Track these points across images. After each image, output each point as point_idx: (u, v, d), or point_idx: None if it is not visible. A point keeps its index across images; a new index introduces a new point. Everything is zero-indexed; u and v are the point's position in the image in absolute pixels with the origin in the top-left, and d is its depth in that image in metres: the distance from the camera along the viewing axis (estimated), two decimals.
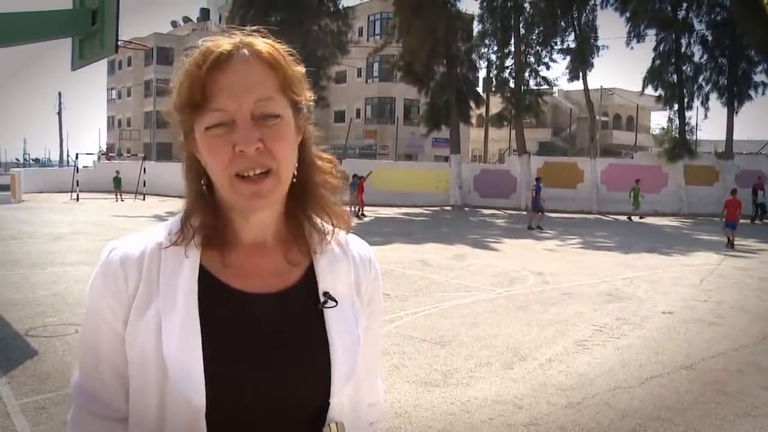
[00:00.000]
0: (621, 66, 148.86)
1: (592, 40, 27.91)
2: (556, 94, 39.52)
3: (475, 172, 28.92)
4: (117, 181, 28.93)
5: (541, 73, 28.95)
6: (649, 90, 28.35)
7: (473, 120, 33.07)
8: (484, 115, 34.78)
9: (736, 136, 27.58)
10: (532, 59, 28.87)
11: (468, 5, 36.98)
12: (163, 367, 0.89)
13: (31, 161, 75.16)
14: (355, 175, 21.12)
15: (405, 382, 4.80)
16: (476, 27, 30.16)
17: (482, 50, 30.30)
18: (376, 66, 41.47)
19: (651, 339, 6.22)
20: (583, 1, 27.04)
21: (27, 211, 20.71)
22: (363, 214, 20.48)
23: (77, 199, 26.90)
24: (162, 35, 55.55)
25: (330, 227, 1.05)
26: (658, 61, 27.51)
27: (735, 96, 26.58)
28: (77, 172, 30.11)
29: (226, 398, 0.89)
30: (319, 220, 1.04)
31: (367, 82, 42.93)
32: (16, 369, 4.83)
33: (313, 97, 1.01)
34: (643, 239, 15.87)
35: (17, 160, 74.54)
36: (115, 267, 0.95)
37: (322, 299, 1.00)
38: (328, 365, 0.96)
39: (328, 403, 0.95)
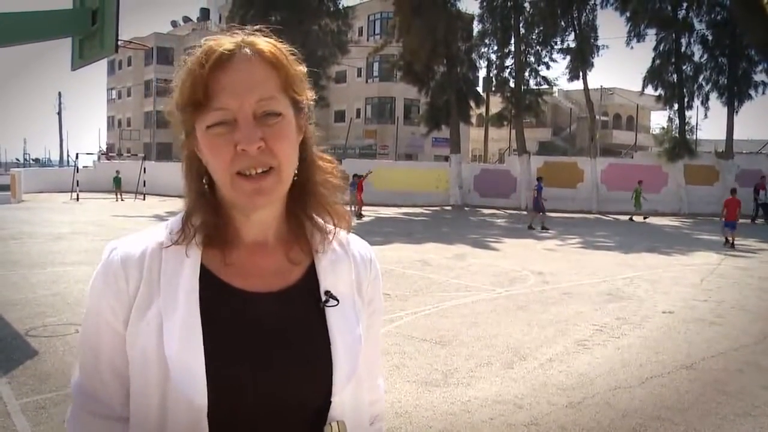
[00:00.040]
0: (621, 66, 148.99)
1: (592, 40, 27.92)
2: (556, 94, 39.53)
3: (475, 172, 28.92)
4: (117, 181, 28.93)
5: (541, 73, 29.02)
6: (649, 90, 28.38)
7: (473, 120, 33.08)
8: (484, 114, 34.79)
9: (736, 136, 27.60)
10: (532, 59, 28.88)
11: (468, 5, 37.08)
12: (164, 367, 0.89)
13: (31, 161, 75.19)
14: (355, 175, 21.13)
15: (405, 381, 4.80)
16: (476, 27, 30.22)
17: (482, 50, 30.35)
18: (376, 66, 41.47)
19: (651, 339, 6.22)
20: (583, 0, 27.03)
21: (27, 211, 20.71)
22: (361, 214, 20.50)
23: (77, 199, 26.91)
24: (162, 35, 55.56)
25: (331, 226, 1.05)
26: (658, 61, 27.51)
27: (735, 95, 26.58)
28: (77, 172, 30.12)
29: (227, 398, 0.89)
30: (320, 220, 1.04)
31: (367, 81, 42.93)
32: (16, 369, 4.83)
33: (314, 97, 1.01)
34: (643, 239, 15.87)
35: (17, 160, 74.59)
36: (116, 267, 0.95)
37: (323, 298, 1.00)
38: (330, 364, 0.96)
39: (330, 402, 0.95)
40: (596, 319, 7.01)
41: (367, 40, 40.97)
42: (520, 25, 28.06)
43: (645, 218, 21.99)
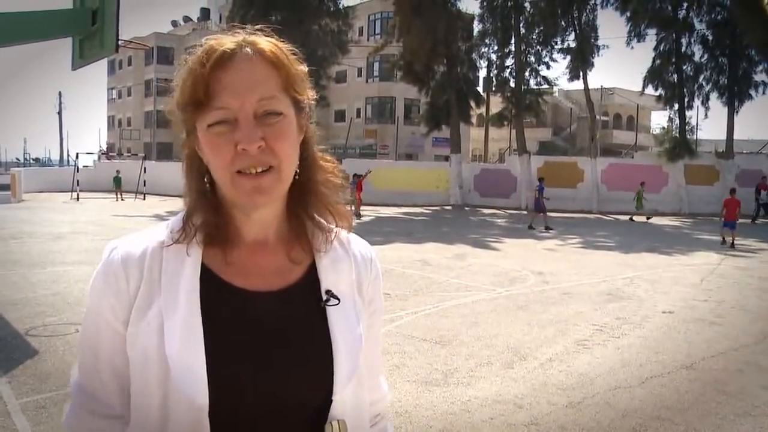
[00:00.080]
0: (621, 66, 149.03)
1: (593, 40, 27.91)
2: (557, 94, 39.52)
3: (476, 172, 28.91)
4: (117, 180, 28.93)
5: (542, 73, 29.00)
6: (650, 89, 28.37)
7: (473, 119, 33.08)
8: (484, 114, 34.79)
9: (736, 136, 27.59)
10: (533, 59, 28.87)
11: (468, 5, 37.19)
12: (165, 366, 0.89)
13: (31, 161, 75.29)
14: (355, 175, 21.16)
15: (405, 381, 4.80)
16: (476, 26, 30.21)
17: (482, 50, 30.33)
18: (376, 65, 41.47)
19: (651, 338, 6.22)
20: (583, 0, 27.03)
21: (27, 210, 20.71)
22: (359, 214, 20.51)
23: (77, 198, 26.92)
24: (162, 35, 55.58)
25: (332, 226, 1.05)
26: (658, 61, 27.50)
27: (735, 95, 26.58)
28: (77, 171, 30.12)
29: (228, 397, 0.89)
30: (321, 219, 1.05)
31: (367, 81, 42.92)
32: (16, 368, 4.83)
33: (315, 96, 1.01)
34: (643, 239, 15.87)
35: (17, 159, 74.71)
36: (116, 267, 0.95)
37: (324, 297, 1.00)
38: (331, 363, 0.96)
39: (330, 401, 0.95)
40: (596, 319, 7.01)
41: (368, 39, 40.98)
42: (521, 24, 28.06)
43: (648, 218, 21.97)
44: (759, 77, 26.61)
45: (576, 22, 27.36)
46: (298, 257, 1.02)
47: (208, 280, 0.96)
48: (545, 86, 29.47)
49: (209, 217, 0.97)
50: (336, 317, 1.00)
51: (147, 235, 1.00)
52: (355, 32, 37.61)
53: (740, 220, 15.27)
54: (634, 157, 32.75)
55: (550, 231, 17.18)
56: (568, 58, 28.20)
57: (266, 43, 0.94)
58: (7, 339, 5.63)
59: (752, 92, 26.70)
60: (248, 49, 0.92)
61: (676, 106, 27.55)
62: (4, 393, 4.32)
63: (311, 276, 1.02)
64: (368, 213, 21.79)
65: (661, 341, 6.12)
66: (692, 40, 27.39)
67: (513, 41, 28.17)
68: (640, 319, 7.05)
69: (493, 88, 30.88)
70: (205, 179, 0.97)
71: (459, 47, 28.53)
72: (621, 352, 5.70)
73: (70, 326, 6.02)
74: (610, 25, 75.01)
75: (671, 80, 27.44)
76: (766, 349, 5.91)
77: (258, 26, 0.97)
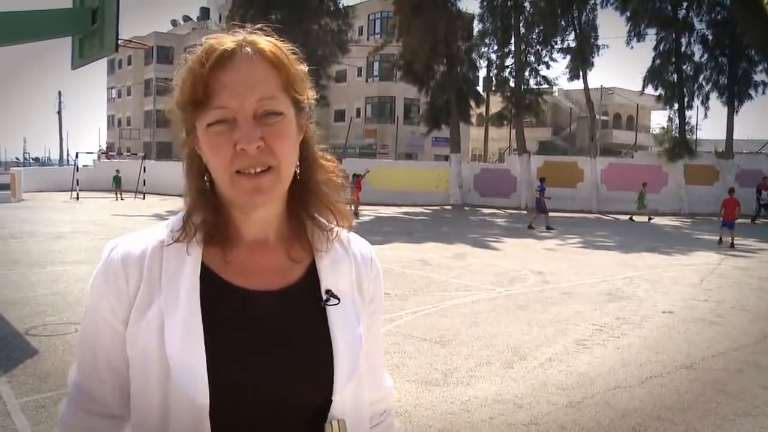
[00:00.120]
0: (621, 65, 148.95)
1: (593, 40, 27.90)
2: (556, 94, 39.50)
3: (475, 172, 28.91)
4: (117, 180, 28.92)
5: (541, 73, 28.98)
6: (649, 89, 28.38)
7: (473, 119, 33.09)
8: (484, 114, 34.79)
9: (736, 136, 27.62)
10: (533, 58, 28.87)
11: (468, 4, 37.24)
12: (165, 366, 0.89)
13: (31, 160, 75.25)
14: (355, 174, 21.19)
15: (405, 381, 4.80)
16: (476, 26, 30.20)
17: (482, 49, 30.33)
18: (376, 65, 41.46)
19: (651, 338, 6.22)
20: (583, 0, 27.03)
21: (27, 210, 20.71)
22: (357, 213, 20.51)
23: (77, 198, 26.90)
24: (162, 34, 55.56)
25: (333, 225, 1.05)
26: (658, 61, 27.51)
27: (735, 95, 26.59)
28: (77, 171, 30.09)
29: (228, 397, 0.89)
30: (321, 219, 1.05)
31: (367, 81, 42.92)
32: (16, 368, 4.83)
33: (315, 96, 1.01)
34: (643, 239, 15.88)
35: (17, 159, 74.65)
36: (116, 266, 0.95)
37: (324, 297, 1.00)
38: (331, 363, 0.96)
39: (330, 401, 0.95)
40: (596, 318, 7.01)
41: (367, 39, 40.96)
42: (521, 24, 28.05)
43: (650, 219, 21.96)
44: (759, 77, 26.69)
45: (576, 22, 27.35)
46: (298, 256, 1.02)
47: (208, 279, 0.96)
48: (545, 86, 29.48)
49: (209, 216, 0.97)
50: (336, 317, 0.99)
51: (147, 234, 1.00)
52: (355, 32, 37.58)
53: (740, 220, 15.28)
54: (634, 156, 32.75)
55: (551, 231, 17.18)
56: (568, 57, 28.22)
57: (266, 42, 0.94)
58: (6, 338, 5.62)
59: (752, 92, 26.75)
60: (248, 49, 0.92)
61: (676, 105, 27.56)
62: (4, 392, 4.32)
63: (311, 275, 1.02)
64: (368, 213, 21.79)
65: (660, 341, 6.12)
66: (692, 40, 27.44)
67: (513, 41, 28.16)
68: (640, 318, 7.05)
69: (493, 88, 30.88)
70: (205, 178, 0.97)
71: (459, 47, 28.53)
72: (621, 352, 5.70)
73: (70, 326, 6.02)
74: (610, 25, 75.04)
75: (671, 80, 27.44)
76: (766, 349, 5.91)
77: (258, 26, 0.97)
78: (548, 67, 29.17)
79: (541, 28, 27.89)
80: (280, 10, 25.69)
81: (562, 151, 38.62)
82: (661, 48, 27.42)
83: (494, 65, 30.09)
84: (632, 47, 45.34)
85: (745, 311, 7.57)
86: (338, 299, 1.01)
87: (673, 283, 9.38)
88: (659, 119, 72.29)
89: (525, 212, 23.63)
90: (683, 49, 27.26)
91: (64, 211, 20.54)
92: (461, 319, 6.85)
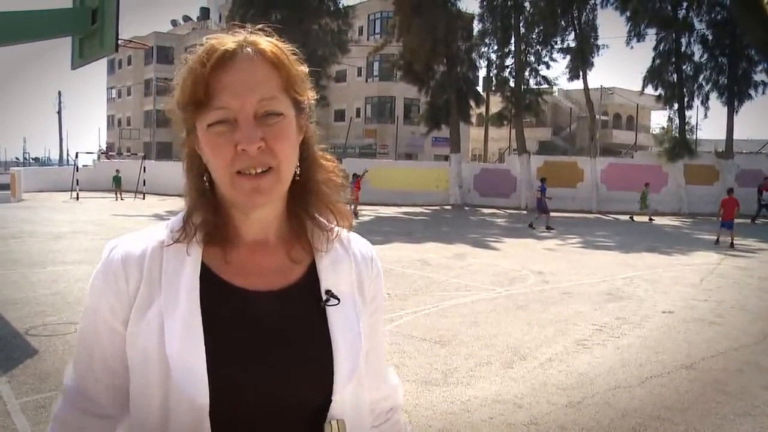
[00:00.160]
0: (621, 65, 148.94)
1: (593, 40, 27.90)
2: (556, 94, 39.50)
3: (475, 172, 28.90)
4: (117, 180, 28.92)
5: (541, 73, 28.99)
6: (649, 89, 28.38)
7: (473, 119, 33.08)
8: (484, 114, 34.78)
9: (736, 136, 27.61)
10: (532, 58, 28.88)
11: (468, 4, 37.31)
12: (165, 366, 0.89)
13: (30, 160, 75.22)
14: (354, 174, 21.22)
15: (405, 381, 4.80)
16: (476, 26, 30.19)
17: (482, 49, 30.33)
18: (376, 65, 41.45)
19: (651, 338, 6.22)
20: (583, 0, 27.03)
21: (27, 210, 20.71)
22: (356, 213, 20.53)
23: (77, 198, 26.89)
24: (162, 34, 55.55)
25: (333, 225, 1.05)
26: (658, 61, 27.51)
27: (735, 95, 26.59)
28: (77, 171, 30.08)
29: (228, 397, 0.90)
30: (321, 219, 1.05)
31: (367, 81, 42.91)
32: (16, 368, 4.83)
33: (315, 97, 1.01)
34: (643, 239, 15.88)
35: (17, 159, 74.62)
36: (116, 266, 0.95)
37: (324, 297, 1.00)
38: (330, 363, 0.96)
39: (330, 401, 0.95)
40: (596, 318, 7.01)
41: (367, 39, 40.96)
42: (520, 24, 28.05)
43: (651, 219, 21.95)
44: (759, 77, 26.68)
45: (576, 22, 27.36)
46: (298, 257, 1.02)
47: (208, 279, 0.96)
48: (545, 86, 29.49)
49: (209, 216, 0.97)
50: (336, 317, 1.00)
51: (147, 234, 1.00)
52: (355, 32, 37.57)
53: (741, 220, 15.27)
54: (634, 156, 32.76)
55: (551, 231, 17.18)
56: (568, 57, 28.22)
57: (267, 43, 0.94)
58: (6, 338, 5.62)
59: (752, 92, 26.74)
60: (249, 49, 0.92)
61: (676, 105, 27.57)
62: (4, 392, 4.32)
63: (311, 275, 1.02)
64: (368, 213, 21.80)
65: (660, 341, 6.12)
66: (692, 40, 27.44)
67: (513, 41, 28.17)
68: (640, 318, 7.05)
69: (493, 88, 30.88)
70: (204, 178, 0.97)
71: (459, 47, 28.53)
72: (621, 352, 5.70)
73: (69, 326, 6.02)
74: (610, 25, 75.10)
75: (671, 80, 27.45)
76: (766, 349, 5.91)
77: (259, 26, 0.97)
78: (548, 67, 29.23)
79: (541, 28, 27.89)
80: (280, 10, 25.69)
81: (562, 151, 38.61)
82: (661, 48, 27.43)
83: (494, 65, 30.13)
84: (632, 47, 45.41)
85: (745, 311, 7.57)
86: (338, 299, 1.01)
87: (673, 283, 9.38)
88: (659, 119, 72.38)
89: (525, 212, 23.62)
90: (683, 49, 27.28)
91: (64, 211, 20.54)
92: (461, 319, 6.85)
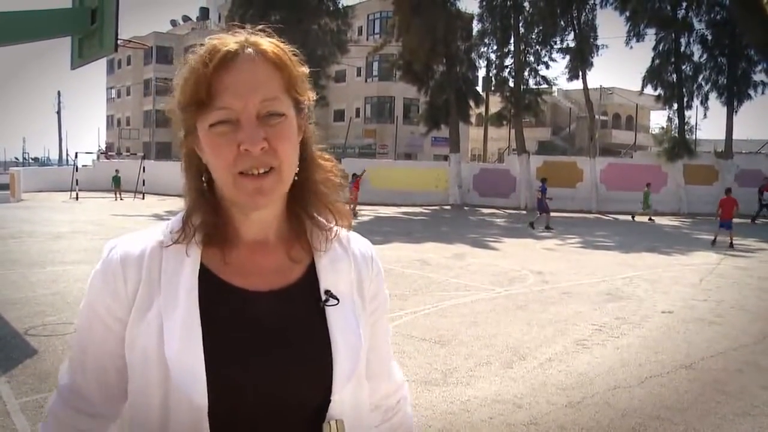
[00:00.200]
0: (620, 65, 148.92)
1: (592, 40, 27.93)
2: (556, 94, 39.52)
3: (475, 172, 28.90)
4: (116, 180, 28.92)
5: (541, 73, 29.05)
6: (649, 89, 28.40)
7: (473, 119, 33.08)
8: (483, 114, 34.79)
9: (735, 136, 27.62)
10: (532, 58, 28.91)
11: (467, 4, 37.36)
12: (165, 367, 0.89)
13: (30, 160, 75.17)
14: (353, 174, 21.24)
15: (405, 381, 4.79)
16: (476, 26, 30.20)
17: (482, 49, 30.37)
18: (375, 65, 41.46)
19: (650, 338, 6.22)
20: (582, 0, 27.04)
21: (26, 210, 20.70)
22: (355, 213, 20.54)
23: (77, 198, 26.88)
24: (161, 34, 55.53)
25: (332, 225, 1.05)
26: (657, 61, 27.53)
27: (734, 95, 26.60)
28: (76, 171, 30.06)
29: (227, 397, 0.90)
30: (321, 218, 1.05)
31: (366, 81, 42.92)
32: (15, 368, 4.83)
33: (315, 97, 1.01)
34: (642, 239, 15.88)
35: (16, 159, 74.56)
36: (115, 266, 0.95)
37: (323, 297, 1.00)
38: (330, 363, 0.96)
39: (329, 401, 0.95)
40: (595, 318, 7.02)
41: (367, 39, 40.95)
42: (520, 24, 28.08)
43: (651, 219, 21.95)
44: (758, 77, 26.70)
45: (575, 22, 27.37)
46: (297, 257, 1.02)
47: (207, 280, 0.96)
48: (544, 86, 29.54)
49: (208, 217, 0.97)
50: (335, 317, 0.99)
51: (146, 234, 1.00)
52: (354, 32, 37.55)
53: (741, 220, 15.27)
54: (634, 156, 32.74)
55: (551, 231, 17.19)
56: (568, 57, 28.26)
57: (268, 44, 0.95)
58: (6, 338, 5.62)
59: (751, 92, 26.76)
60: (251, 50, 0.92)
61: (675, 105, 27.59)
62: (4, 392, 4.32)
63: (311, 275, 1.02)
64: (367, 213, 21.80)
65: (660, 341, 6.12)
66: (691, 40, 27.46)
67: (512, 41, 28.20)
68: (640, 318, 7.05)
69: (493, 88, 30.91)
70: (203, 178, 0.97)
71: (458, 47, 28.53)
72: (620, 352, 5.71)
73: (69, 326, 6.01)
74: (610, 25, 75.40)
75: (670, 80, 27.46)
76: (766, 349, 5.91)
77: (259, 26, 0.97)
78: (547, 67, 29.26)
79: (541, 28, 27.92)
80: (280, 10, 25.68)
81: (561, 151, 38.62)
82: (661, 48, 27.44)
83: (493, 65, 30.17)
84: (631, 47, 45.57)
85: (745, 311, 7.57)
86: (337, 299, 1.01)
87: (672, 283, 9.39)
88: (659, 119, 72.30)
89: (524, 212, 23.62)
90: (682, 49, 27.29)
91: (63, 211, 20.53)
92: (461, 319, 6.85)
